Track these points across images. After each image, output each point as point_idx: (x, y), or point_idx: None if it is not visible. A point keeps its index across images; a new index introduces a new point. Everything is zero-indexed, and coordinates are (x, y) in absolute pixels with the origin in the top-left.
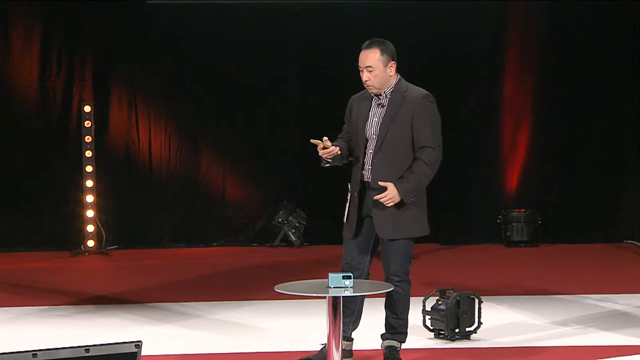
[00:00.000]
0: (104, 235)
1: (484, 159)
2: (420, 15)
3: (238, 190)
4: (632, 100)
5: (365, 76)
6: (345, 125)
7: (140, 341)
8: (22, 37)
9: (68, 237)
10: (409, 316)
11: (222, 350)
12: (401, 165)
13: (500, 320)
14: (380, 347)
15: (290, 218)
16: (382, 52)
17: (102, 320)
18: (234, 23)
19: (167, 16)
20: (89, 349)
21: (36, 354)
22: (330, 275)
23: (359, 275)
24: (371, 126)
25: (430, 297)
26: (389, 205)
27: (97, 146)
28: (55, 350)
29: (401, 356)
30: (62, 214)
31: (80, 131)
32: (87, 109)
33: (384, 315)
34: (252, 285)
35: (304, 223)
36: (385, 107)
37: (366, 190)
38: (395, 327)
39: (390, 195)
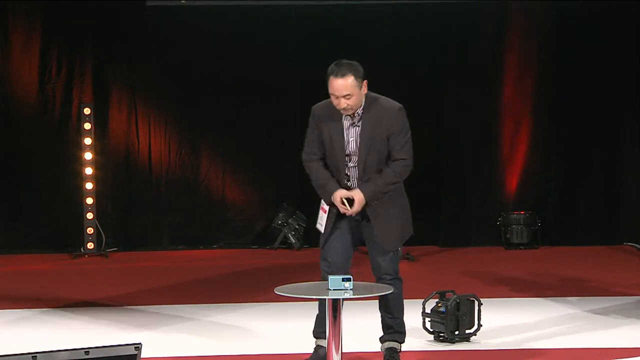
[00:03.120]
0: (104, 237)
1: (483, 161)
2: (419, 17)
3: (238, 192)
4: (633, 102)
5: (343, 103)
6: (311, 137)
7: (139, 343)
8: (22, 40)
9: (67, 240)
10: (408, 317)
11: (221, 353)
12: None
13: (500, 323)
14: (380, 350)
15: (290, 220)
16: (355, 76)
17: (101, 322)
18: (234, 25)
19: (167, 18)
20: (88, 352)
21: (36, 356)
22: (330, 277)
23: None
24: (349, 144)
25: (430, 300)
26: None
27: (96, 148)
28: (54, 353)
29: (401, 359)
30: (62, 216)
31: (80, 133)
32: (87, 111)
33: (380, 317)
34: (252, 288)
35: (304, 225)
36: (359, 128)
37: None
38: (393, 327)
39: (357, 208)
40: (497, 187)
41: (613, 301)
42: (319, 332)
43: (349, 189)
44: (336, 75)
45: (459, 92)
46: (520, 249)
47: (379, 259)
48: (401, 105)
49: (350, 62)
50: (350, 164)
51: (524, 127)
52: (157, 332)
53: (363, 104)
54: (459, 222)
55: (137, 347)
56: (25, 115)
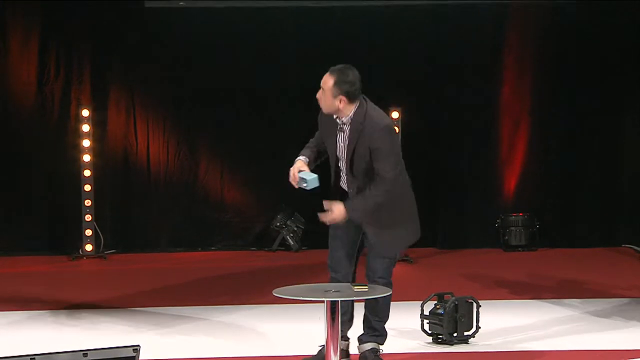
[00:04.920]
0: (102, 239)
1: (482, 162)
2: (418, 18)
3: (236, 194)
4: (632, 103)
5: (318, 94)
6: (316, 135)
7: (138, 345)
8: (20, 41)
9: (66, 241)
10: (407, 319)
11: (220, 355)
12: (368, 184)
13: (498, 325)
14: (358, 349)
15: (288, 222)
16: (335, 83)
17: (100, 324)
18: (232, 26)
19: (166, 19)
20: (87, 354)
21: (34, 358)
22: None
23: (345, 274)
24: (338, 148)
25: (429, 302)
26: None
27: (95, 150)
28: (53, 355)
29: None
30: (60, 218)
31: (78, 135)
32: (85, 113)
33: (363, 317)
34: (250, 289)
35: (302, 227)
36: (346, 134)
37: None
38: (378, 329)
39: (334, 216)
40: (496, 188)
41: (611, 303)
42: None
43: (345, 192)
44: (329, 71)
45: (457, 93)
46: (519, 250)
47: (376, 262)
48: (389, 123)
49: (347, 73)
50: (342, 167)
51: (522, 128)
52: (156, 334)
53: (351, 116)
54: (458, 224)
55: (136, 349)
56: (23, 117)
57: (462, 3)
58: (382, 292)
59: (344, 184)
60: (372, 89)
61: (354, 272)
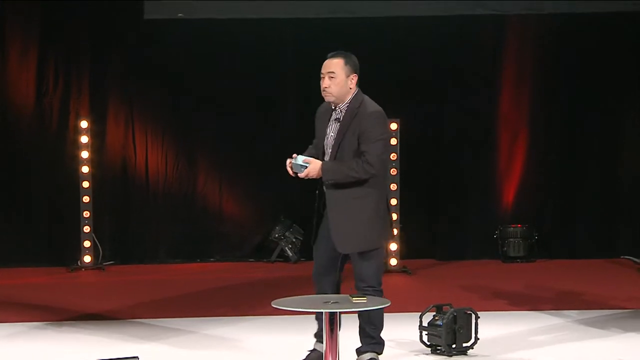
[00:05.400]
0: (101, 250)
1: (480, 174)
2: (417, 29)
3: (235, 205)
4: (631, 115)
5: (325, 82)
6: (315, 140)
7: (136, 357)
8: (19, 53)
9: (64, 253)
10: (405, 331)
11: None
12: (356, 182)
13: (497, 336)
14: None
15: (287, 234)
16: (346, 62)
17: (98, 335)
18: (231, 38)
19: (165, 31)
20: None
21: None
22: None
23: (329, 283)
24: (327, 139)
25: (427, 313)
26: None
27: (93, 162)
28: None
29: None
30: (59, 229)
31: (77, 146)
32: (84, 124)
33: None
34: (249, 301)
35: (301, 239)
36: (339, 122)
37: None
38: (374, 337)
39: (309, 170)
40: (494, 200)
41: (610, 314)
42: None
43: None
44: (329, 57)
45: (456, 104)
46: (517, 262)
47: (362, 270)
48: (382, 111)
49: (349, 54)
50: (327, 158)
51: (521, 139)
52: (154, 345)
53: (348, 102)
54: (456, 235)
55: None
56: (22, 128)
57: (462, 15)
58: (380, 304)
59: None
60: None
61: (339, 283)
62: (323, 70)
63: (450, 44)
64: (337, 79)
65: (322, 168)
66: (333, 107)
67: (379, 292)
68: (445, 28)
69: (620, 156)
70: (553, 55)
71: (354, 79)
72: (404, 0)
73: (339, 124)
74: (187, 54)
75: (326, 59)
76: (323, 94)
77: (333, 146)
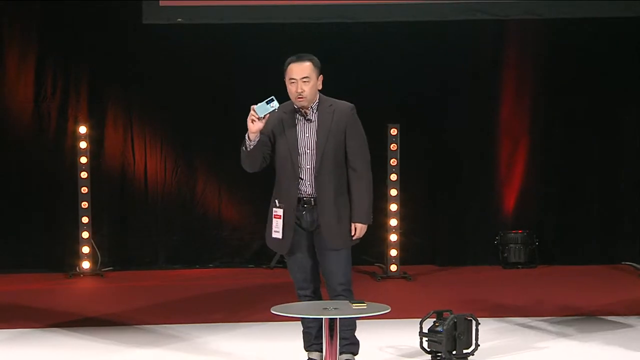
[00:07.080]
0: (99, 256)
1: (481, 180)
2: (416, 35)
3: (234, 211)
4: (632, 122)
5: (300, 87)
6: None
7: None
8: (17, 58)
9: (63, 259)
10: (406, 337)
11: None
12: (339, 179)
13: (497, 342)
14: None
15: None
16: (315, 64)
17: (97, 342)
18: (231, 44)
19: (164, 36)
20: None
21: None
22: (256, 107)
23: (315, 289)
24: (303, 141)
25: (427, 319)
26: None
27: (92, 167)
28: None
29: None
30: (57, 235)
31: (75, 152)
32: (83, 130)
33: None
34: (248, 307)
35: None
36: (315, 122)
37: (305, 204)
38: (348, 338)
39: (359, 233)
40: (495, 205)
41: (611, 321)
42: (308, 346)
43: (301, 198)
44: (296, 61)
45: (456, 111)
46: (518, 268)
47: (335, 269)
48: (353, 105)
49: (311, 55)
50: (306, 165)
51: (521, 145)
52: (153, 351)
53: (317, 100)
54: (457, 241)
55: None
56: (20, 134)
57: (459, 20)
58: (381, 310)
59: (309, 187)
60: (369, 107)
61: (319, 288)
62: (295, 76)
63: (449, 49)
64: (311, 83)
65: (364, 218)
66: (300, 110)
67: (350, 292)
68: (444, 34)
69: (621, 163)
70: (553, 61)
71: (321, 79)
72: (403, 6)
73: (313, 124)
74: (186, 59)
75: (289, 62)
76: (297, 99)
77: (317, 148)
